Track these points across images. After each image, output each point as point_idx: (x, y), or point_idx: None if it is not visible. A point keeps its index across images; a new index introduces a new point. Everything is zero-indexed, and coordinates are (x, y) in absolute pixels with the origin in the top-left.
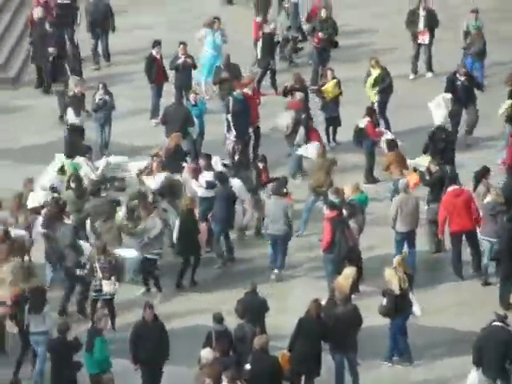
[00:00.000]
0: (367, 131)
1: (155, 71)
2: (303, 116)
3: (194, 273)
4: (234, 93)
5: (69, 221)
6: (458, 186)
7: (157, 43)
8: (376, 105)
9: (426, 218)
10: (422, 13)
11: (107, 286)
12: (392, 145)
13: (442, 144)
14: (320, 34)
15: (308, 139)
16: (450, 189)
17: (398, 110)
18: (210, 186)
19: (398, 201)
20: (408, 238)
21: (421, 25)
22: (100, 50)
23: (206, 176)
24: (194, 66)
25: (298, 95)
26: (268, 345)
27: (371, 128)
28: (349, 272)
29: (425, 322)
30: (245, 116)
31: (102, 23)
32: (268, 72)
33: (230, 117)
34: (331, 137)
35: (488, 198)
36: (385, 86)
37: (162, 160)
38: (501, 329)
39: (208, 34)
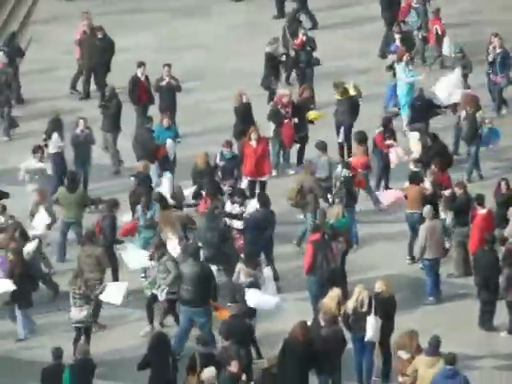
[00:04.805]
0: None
1: (138, 93)
2: None
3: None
4: None
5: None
6: None
7: (141, 64)
8: None
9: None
10: None
11: (74, 313)
12: None
13: None
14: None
15: None
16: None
17: None
18: None
19: None
20: None
21: None
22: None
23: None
24: (178, 88)
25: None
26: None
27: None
28: (334, 294)
29: None
30: None
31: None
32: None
33: None
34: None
35: None
36: None
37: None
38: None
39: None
